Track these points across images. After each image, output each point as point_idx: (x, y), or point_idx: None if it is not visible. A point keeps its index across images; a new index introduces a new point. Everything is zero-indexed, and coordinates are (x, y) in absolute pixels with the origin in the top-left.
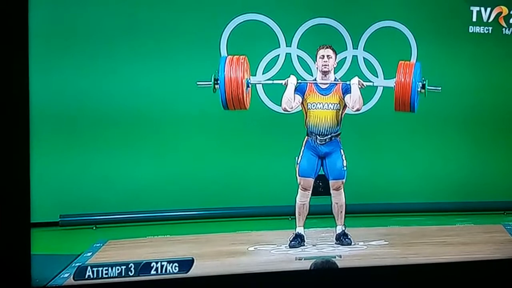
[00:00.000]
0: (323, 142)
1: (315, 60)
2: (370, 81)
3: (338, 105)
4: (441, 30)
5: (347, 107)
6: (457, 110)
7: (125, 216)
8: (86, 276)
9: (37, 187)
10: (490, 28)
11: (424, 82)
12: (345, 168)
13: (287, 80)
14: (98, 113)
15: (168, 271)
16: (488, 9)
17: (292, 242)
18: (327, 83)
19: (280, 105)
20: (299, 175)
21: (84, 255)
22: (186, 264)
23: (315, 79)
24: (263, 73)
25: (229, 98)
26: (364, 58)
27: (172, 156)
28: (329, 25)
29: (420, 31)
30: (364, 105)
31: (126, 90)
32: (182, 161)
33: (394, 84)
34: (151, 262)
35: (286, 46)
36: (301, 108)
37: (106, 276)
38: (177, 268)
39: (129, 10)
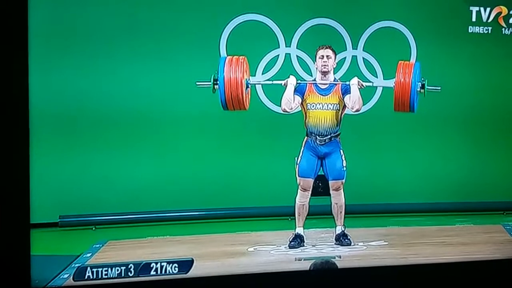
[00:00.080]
0: (323, 143)
1: (314, 61)
2: (370, 82)
3: (338, 105)
4: (441, 30)
5: (346, 108)
6: (457, 110)
7: (124, 217)
8: (86, 277)
9: (37, 187)
10: (490, 28)
11: (424, 82)
12: (344, 168)
13: (287, 81)
14: (98, 113)
15: (167, 271)
16: (488, 9)
17: (292, 243)
18: (326, 84)
19: (280, 106)
20: (298, 176)
21: (84, 256)
22: (185, 264)
23: (314, 80)
24: (262, 74)
25: (228, 99)
26: (363, 58)
27: (171, 157)
28: (329, 25)
29: (419, 31)
30: (363, 105)
31: (126, 90)
32: (182, 162)
33: (394, 84)
34: (150, 263)
35: (286, 46)
36: (300, 109)
37: (106, 276)
38: (176, 268)
39: (129, 10)
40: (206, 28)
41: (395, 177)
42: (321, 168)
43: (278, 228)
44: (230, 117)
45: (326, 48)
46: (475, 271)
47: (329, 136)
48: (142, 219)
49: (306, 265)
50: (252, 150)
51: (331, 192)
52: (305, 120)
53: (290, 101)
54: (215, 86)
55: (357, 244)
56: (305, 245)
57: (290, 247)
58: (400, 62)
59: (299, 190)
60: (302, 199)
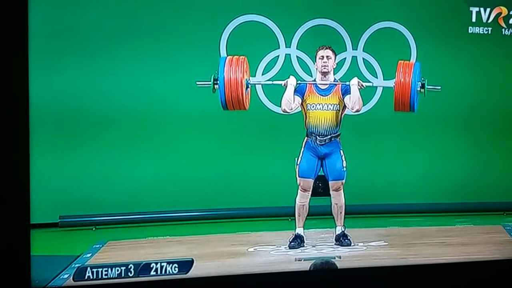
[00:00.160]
0: (323, 143)
1: (314, 61)
2: (370, 82)
3: (338, 105)
4: (441, 31)
5: (346, 108)
6: (457, 110)
7: (124, 217)
8: (86, 277)
9: (37, 187)
10: (490, 28)
11: (424, 82)
12: (344, 168)
13: (287, 81)
14: (98, 113)
15: (167, 272)
16: (488, 10)
17: (292, 243)
18: (326, 84)
19: (280, 106)
20: (298, 176)
21: (84, 256)
22: (185, 265)
23: (314, 80)
24: (262, 74)
25: (228, 99)
26: (363, 59)
27: (171, 157)
28: (329, 26)
29: (419, 32)
30: (363, 106)
31: (126, 90)
32: (182, 162)
33: (394, 84)
34: (150, 263)
35: (286, 47)
36: (300, 109)
37: (106, 277)
38: (176, 269)
39: (129, 10)
40: (206, 28)
41: (395, 177)
42: (321, 169)
43: (278, 229)
44: (230, 117)
45: (326, 48)
46: (475, 272)
47: (329, 137)
48: (142, 219)
49: (306, 266)
50: (252, 151)
51: (331, 192)
52: (305, 120)
53: (290, 102)
54: (215, 86)
55: (357, 245)
56: (305, 245)
57: (290, 247)
58: (400, 62)
59: (299, 191)
60: (302, 200)
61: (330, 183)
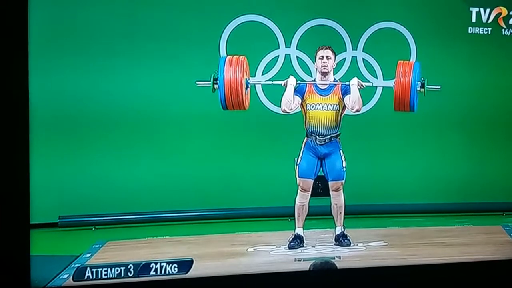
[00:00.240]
0: (323, 143)
1: (314, 61)
2: (370, 82)
3: (338, 106)
4: (441, 31)
5: (346, 108)
6: (457, 111)
7: (124, 217)
8: (86, 277)
9: (37, 187)
10: (490, 29)
11: (424, 82)
12: (344, 169)
13: (286, 81)
14: (97, 113)
15: (167, 272)
16: (488, 10)
17: (292, 243)
18: (326, 84)
19: (280, 106)
20: (298, 176)
21: (83, 256)
22: (185, 265)
23: (314, 80)
24: (262, 74)
25: (228, 98)
26: (363, 59)
27: (171, 157)
28: (329, 26)
29: (419, 32)
30: (363, 106)
31: (126, 90)
32: (182, 162)
33: (394, 84)
34: (150, 263)
35: (286, 47)
36: (300, 109)
37: (106, 277)
38: (176, 269)
39: (129, 10)
40: (206, 28)
41: (394, 177)
42: (321, 169)
43: (278, 229)
44: (230, 117)
45: (326, 48)
46: (474, 272)
47: (329, 137)
48: (142, 219)
49: (305, 266)
50: (252, 151)
51: (330, 192)
52: (305, 120)
53: (290, 102)
54: (215, 86)
55: (357, 245)
56: (304, 245)
57: (290, 247)
58: (399, 61)
59: (299, 191)
60: (302, 200)
61: (330, 183)
